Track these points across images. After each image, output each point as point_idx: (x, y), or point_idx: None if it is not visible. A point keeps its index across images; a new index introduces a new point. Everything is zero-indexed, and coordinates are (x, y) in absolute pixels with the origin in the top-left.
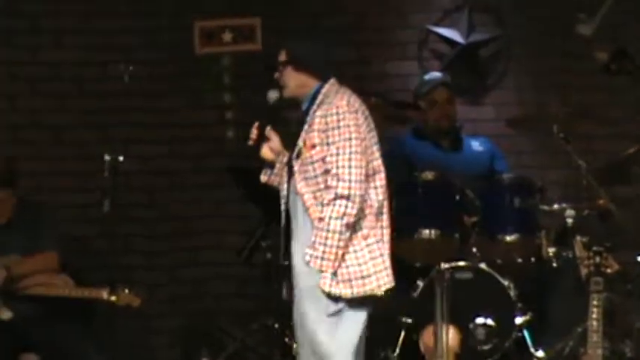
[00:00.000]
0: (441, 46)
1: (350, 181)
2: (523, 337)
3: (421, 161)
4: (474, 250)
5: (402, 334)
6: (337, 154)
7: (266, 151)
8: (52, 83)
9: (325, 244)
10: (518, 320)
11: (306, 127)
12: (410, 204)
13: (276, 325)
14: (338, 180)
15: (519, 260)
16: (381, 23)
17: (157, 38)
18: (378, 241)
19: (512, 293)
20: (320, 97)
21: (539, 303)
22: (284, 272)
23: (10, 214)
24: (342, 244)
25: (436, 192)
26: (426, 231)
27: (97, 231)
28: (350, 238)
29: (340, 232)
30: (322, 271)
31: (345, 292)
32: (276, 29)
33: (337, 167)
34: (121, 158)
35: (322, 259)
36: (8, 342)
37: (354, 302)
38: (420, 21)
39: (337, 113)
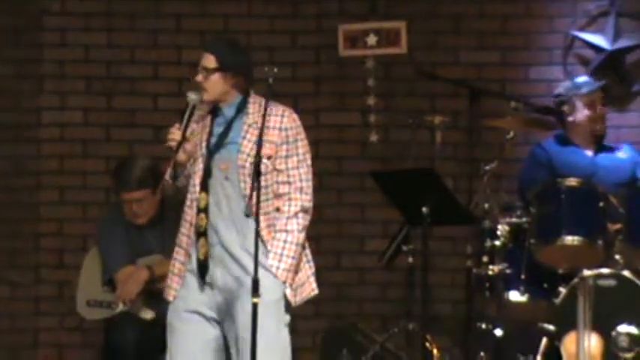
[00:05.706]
0: (586, 51)
1: (309, 194)
2: None
3: (565, 167)
4: (618, 257)
5: (544, 340)
6: (298, 167)
7: (181, 155)
8: None
9: (293, 257)
10: None
11: (249, 137)
12: (553, 210)
13: (417, 330)
14: (301, 193)
15: None
16: (526, 28)
17: (301, 40)
18: (306, 248)
19: None
20: (251, 107)
21: None
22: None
23: (152, 215)
24: (299, 256)
25: (580, 198)
26: (569, 237)
27: None
28: None
29: (302, 245)
30: (284, 283)
31: (295, 300)
32: (421, 33)
33: (300, 180)
34: None
35: (289, 271)
36: (149, 342)
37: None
38: (565, 26)
39: (297, 126)
